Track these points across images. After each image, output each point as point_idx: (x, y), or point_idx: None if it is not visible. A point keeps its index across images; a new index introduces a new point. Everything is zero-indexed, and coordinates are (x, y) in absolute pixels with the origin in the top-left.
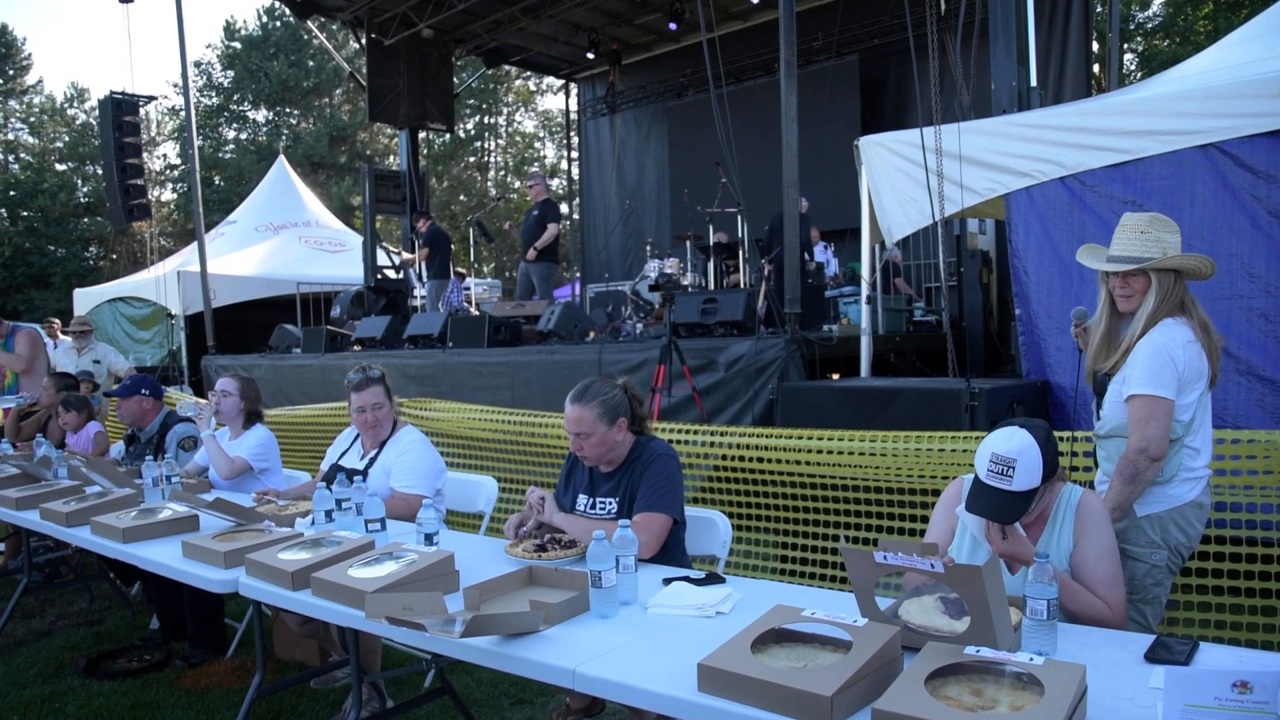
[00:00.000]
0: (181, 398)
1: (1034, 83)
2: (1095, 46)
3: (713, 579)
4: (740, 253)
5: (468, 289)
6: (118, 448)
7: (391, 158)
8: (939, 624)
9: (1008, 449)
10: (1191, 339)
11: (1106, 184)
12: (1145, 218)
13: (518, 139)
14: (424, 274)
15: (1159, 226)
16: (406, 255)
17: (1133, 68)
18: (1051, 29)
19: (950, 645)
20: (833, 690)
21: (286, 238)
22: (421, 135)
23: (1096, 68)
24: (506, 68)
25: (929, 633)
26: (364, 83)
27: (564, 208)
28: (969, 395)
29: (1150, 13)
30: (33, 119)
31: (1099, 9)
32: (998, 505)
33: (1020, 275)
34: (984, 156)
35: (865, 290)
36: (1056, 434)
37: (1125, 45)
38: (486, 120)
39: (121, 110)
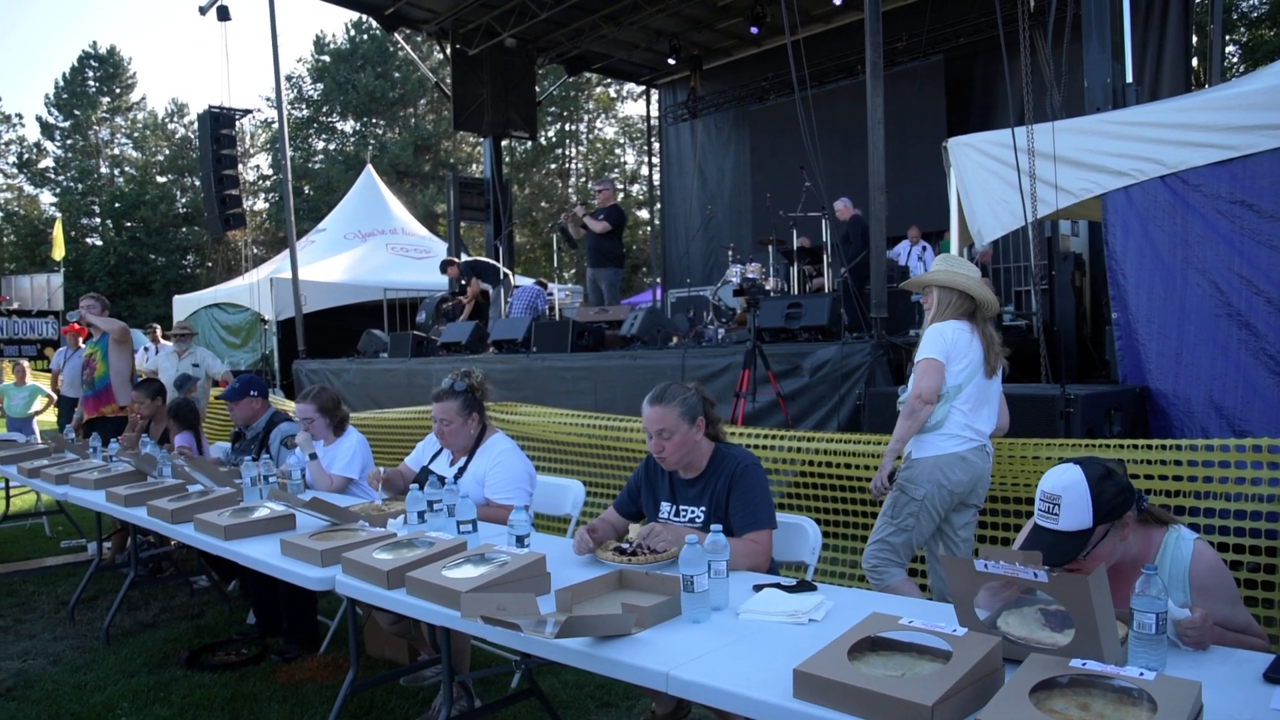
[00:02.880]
0: (284, 405)
1: (1129, 79)
2: (1194, 39)
3: (804, 586)
4: (824, 257)
5: (551, 295)
6: (222, 445)
7: (475, 165)
8: (1040, 636)
9: (1053, 485)
10: (963, 329)
11: (1212, 182)
12: (952, 258)
13: (598, 145)
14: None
15: (950, 261)
16: (461, 298)
17: (1235, 60)
18: (1148, 22)
19: (1055, 658)
20: (934, 700)
21: (373, 245)
22: (504, 143)
23: (1195, 61)
24: (588, 75)
25: (1031, 645)
26: (449, 92)
27: (644, 213)
28: (1064, 401)
29: (1255, 1)
30: (136, 134)
31: None
32: (1047, 545)
33: (1118, 278)
34: (1079, 156)
35: None
36: (1159, 442)
37: (1227, 36)
38: (568, 127)
39: (219, 124)
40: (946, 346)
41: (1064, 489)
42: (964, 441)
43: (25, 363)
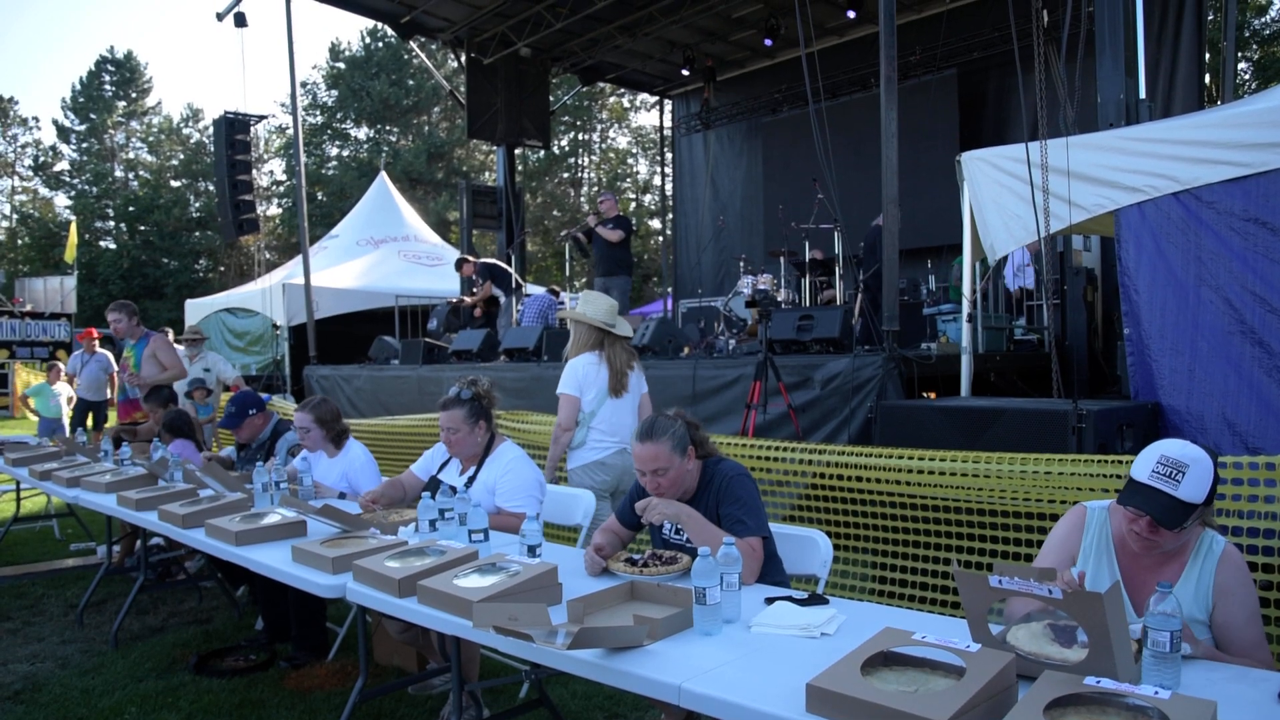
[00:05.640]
0: (288, 412)
1: (1143, 95)
2: (1207, 56)
3: (816, 600)
4: (836, 269)
5: (562, 304)
6: (230, 450)
7: (487, 174)
8: (1050, 652)
9: (1181, 454)
10: (591, 361)
11: (1225, 199)
12: (590, 295)
13: (611, 155)
14: (501, 298)
15: (585, 299)
16: (469, 299)
17: (1247, 77)
18: (1161, 39)
19: (1069, 675)
20: (947, 716)
21: (386, 252)
22: (517, 151)
23: (1208, 78)
24: (602, 85)
25: (1042, 661)
26: (463, 100)
27: (656, 223)
28: (1076, 416)
29: (1268, 18)
30: (151, 138)
31: (1211, 16)
32: (1160, 505)
33: (1130, 294)
34: (1092, 171)
35: (966, 308)
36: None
37: (1239, 54)
38: (581, 137)
39: (234, 129)
40: (579, 381)
41: (1192, 460)
42: (601, 450)
43: (60, 364)
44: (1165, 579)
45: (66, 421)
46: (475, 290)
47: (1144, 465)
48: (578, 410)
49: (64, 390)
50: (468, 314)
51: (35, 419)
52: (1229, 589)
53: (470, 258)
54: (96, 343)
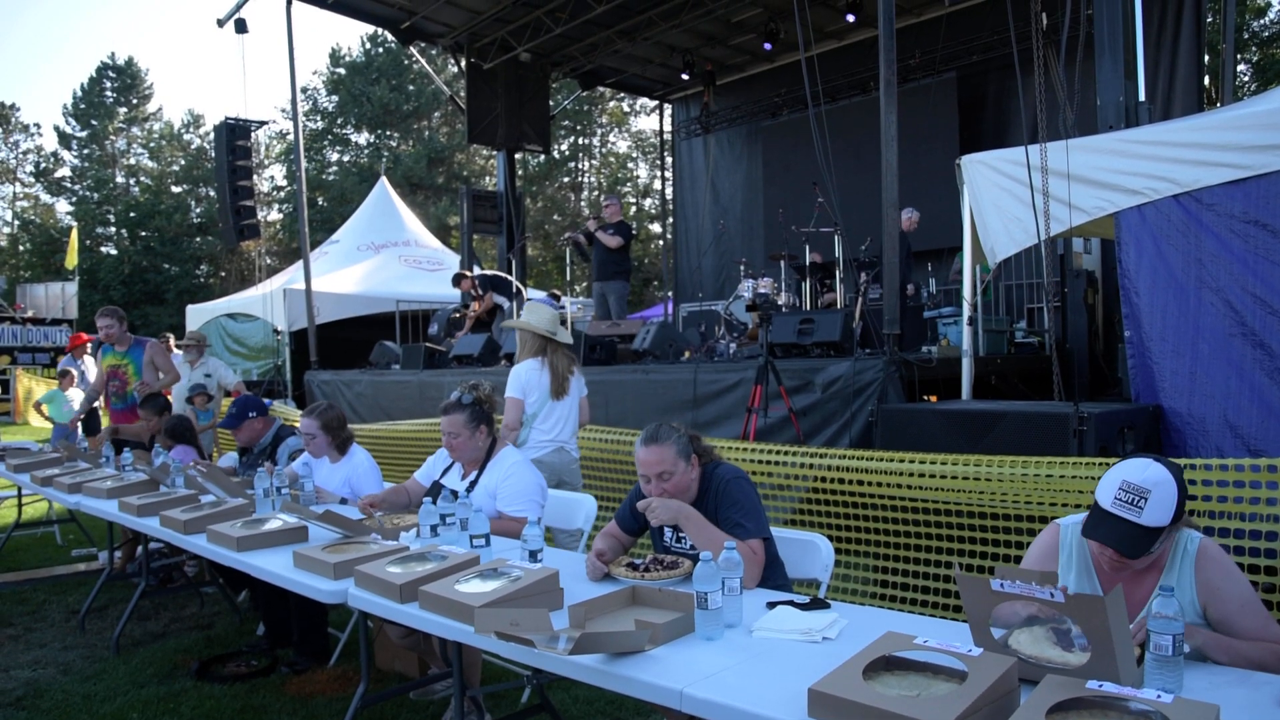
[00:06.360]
0: (291, 417)
1: (1142, 97)
2: (1206, 58)
3: (817, 604)
4: (836, 272)
5: (563, 309)
6: (232, 457)
7: (488, 178)
8: (1051, 655)
9: (1143, 478)
10: (534, 368)
11: (1226, 202)
12: (532, 304)
13: (611, 159)
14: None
15: (530, 309)
16: (470, 313)
17: (1246, 79)
18: (1160, 41)
19: (1071, 679)
20: None
21: (386, 256)
22: (518, 156)
23: (1207, 80)
24: (601, 89)
25: (1044, 665)
26: (463, 105)
27: (656, 227)
28: (1077, 419)
29: (1267, 20)
30: (152, 144)
31: (1210, 19)
32: (1123, 535)
33: (1131, 296)
34: (1092, 174)
35: (966, 311)
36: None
37: (1238, 56)
38: (581, 141)
39: (235, 135)
40: (522, 385)
41: (1154, 485)
42: (541, 449)
43: (74, 370)
44: (1146, 589)
45: (80, 427)
46: (477, 303)
47: (1107, 490)
48: (522, 411)
49: (76, 396)
50: (461, 324)
51: (49, 425)
52: (1213, 584)
53: (467, 273)
54: (88, 348)
